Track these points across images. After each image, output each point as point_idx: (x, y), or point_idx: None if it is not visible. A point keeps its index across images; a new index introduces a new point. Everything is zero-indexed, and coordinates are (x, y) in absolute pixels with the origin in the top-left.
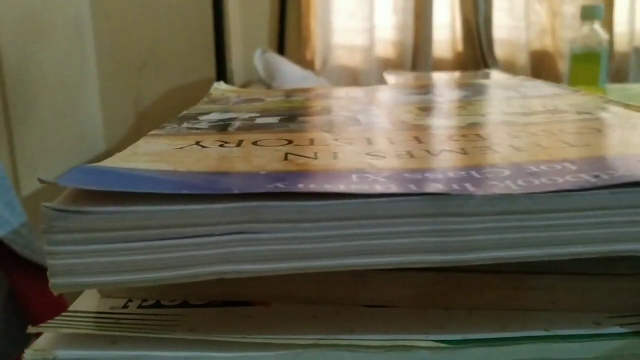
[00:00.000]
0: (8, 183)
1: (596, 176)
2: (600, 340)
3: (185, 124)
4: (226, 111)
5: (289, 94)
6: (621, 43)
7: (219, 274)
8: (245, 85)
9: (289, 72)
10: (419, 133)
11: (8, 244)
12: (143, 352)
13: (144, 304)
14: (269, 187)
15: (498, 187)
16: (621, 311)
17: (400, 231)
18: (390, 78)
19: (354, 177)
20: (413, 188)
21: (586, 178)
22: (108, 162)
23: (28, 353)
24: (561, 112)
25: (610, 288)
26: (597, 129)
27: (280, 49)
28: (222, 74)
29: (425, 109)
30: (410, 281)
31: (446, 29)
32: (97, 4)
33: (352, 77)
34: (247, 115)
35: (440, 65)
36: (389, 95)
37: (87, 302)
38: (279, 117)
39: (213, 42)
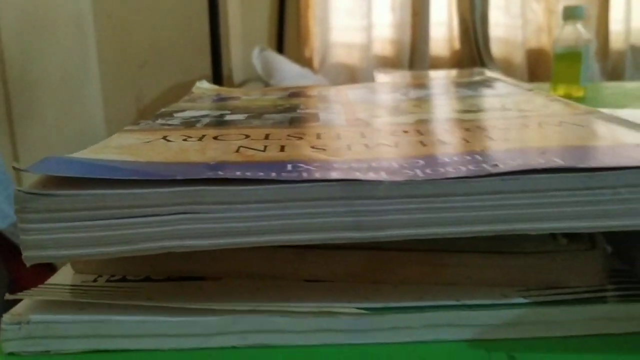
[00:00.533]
0: (9, 178)
1: (494, 165)
2: (503, 309)
3: (159, 121)
4: (201, 109)
5: (266, 92)
6: (617, 41)
7: (166, 249)
8: (244, 83)
9: (287, 70)
10: (367, 129)
11: (8, 237)
12: (105, 317)
13: (112, 278)
14: (210, 174)
15: (407, 175)
16: (528, 285)
17: (321, 212)
18: (380, 76)
19: (289, 166)
20: (334, 175)
21: (485, 167)
22: (79, 154)
23: (6, 317)
24: (506, 110)
25: (519, 265)
26: (526, 125)
27: (279, 47)
28: (217, 72)
29: (384, 107)
30: (344, 259)
31: (443, 27)
32: (99, 3)
33: (350, 75)
34: (218, 113)
35: (438, 63)
36: (358, 94)
37: (63, 277)
38: (246, 115)
39: (209, 41)
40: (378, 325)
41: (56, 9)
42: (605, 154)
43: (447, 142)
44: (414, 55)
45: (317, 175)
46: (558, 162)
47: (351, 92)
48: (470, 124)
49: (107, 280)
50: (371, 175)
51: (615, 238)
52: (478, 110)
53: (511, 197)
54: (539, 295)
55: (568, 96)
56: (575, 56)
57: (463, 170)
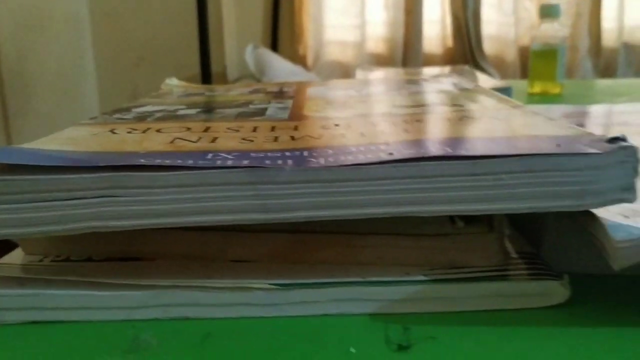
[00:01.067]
0: None
1: (390, 154)
2: (404, 286)
3: (116, 115)
4: (160, 104)
5: (230, 89)
6: (610, 39)
7: (92, 229)
8: (237, 80)
9: (279, 67)
10: (302, 123)
11: None
12: (42, 291)
13: (57, 259)
14: (132, 161)
15: (311, 163)
16: (433, 265)
17: (230, 195)
18: (360, 74)
19: (209, 155)
20: (244, 163)
21: (381, 156)
22: (32, 144)
23: None
24: (440, 104)
25: (422, 246)
26: (445, 118)
27: (274, 45)
28: (206, 69)
29: (332, 103)
30: (266, 241)
31: (436, 24)
32: (95, 1)
33: (344, 73)
34: (173, 108)
35: (431, 61)
36: (317, 91)
37: (14, 257)
38: (198, 110)
39: (197, 39)
40: (288, 300)
41: (53, 7)
42: (496, 143)
43: (365, 134)
44: (407, 53)
45: (229, 163)
46: (446, 150)
47: (312, 89)
48: (395, 118)
49: (52, 260)
50: (278, 163)
51: (524, 223)
52: (413, 105)
53: (402, 182)
54: (439, 273)
55: (545, 93)
56: (551, 54)
57: (360, 158)
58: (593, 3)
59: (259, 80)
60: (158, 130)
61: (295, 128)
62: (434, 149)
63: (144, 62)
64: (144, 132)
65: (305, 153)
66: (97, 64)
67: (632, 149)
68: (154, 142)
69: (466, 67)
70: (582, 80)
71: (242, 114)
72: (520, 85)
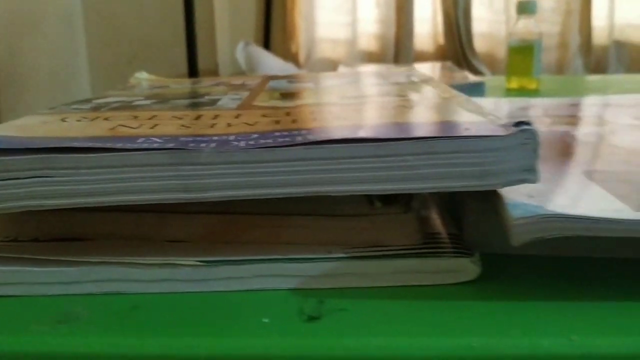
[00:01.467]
0: None
1: (303, 136)
2: (324, 262)
3: (74, 106)
4: (121, 96)
5: (196, 82)
6: (601, 37)
7: (27, 207)
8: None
9: (270, 64)
10: (246, 111)
11: None
12: None
13: (5, 239)
14: (65, 144)
15: (231, 145)
16: (355, 245)
17: (153, 176)
18: (340, 68)
19: (141, 139)
20: (170, 145)
21: (297, 139)
22: None
23: None
24: (385, 95)
25: (343, 226)
26: (382, 107)
27: (266, 43)
28: (193, 66)
29: (284, 94)
30: (199, 222)
31: (427, 22)
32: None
33: (335, 70)
34: (131, 99)
35: (422, 58)
36: (278, 83)
37: None
38: (154, 100)
39: (184, 37)
40: (213, 276)
41: (45, 6)
42: (405, 128)
43: (298, 120)
44: (398, 51)
45: (155, 145)
46: (353, 133)
47: (274, 82)
48: (334, 107)
49: (1, 241)
50: (201, 146)
51: (450, 205)
52: (360, 96)
53: (313, 163)
54: (359, 251)
55: (522, 88)
56: (527, 50)
57: (277, 141)
58: (583, 1)
59: None
60: (106, 119)
61: (237, 116)
62: (344, 133)
63: (137, 60)
64: (92, 120)
65: (232, 137)
66: (90, 62)
67: (531, 131)
68: (96, 128)
69: (448, 63)
70: (563, 77)
71: (193, 104)
72: (503, 81)
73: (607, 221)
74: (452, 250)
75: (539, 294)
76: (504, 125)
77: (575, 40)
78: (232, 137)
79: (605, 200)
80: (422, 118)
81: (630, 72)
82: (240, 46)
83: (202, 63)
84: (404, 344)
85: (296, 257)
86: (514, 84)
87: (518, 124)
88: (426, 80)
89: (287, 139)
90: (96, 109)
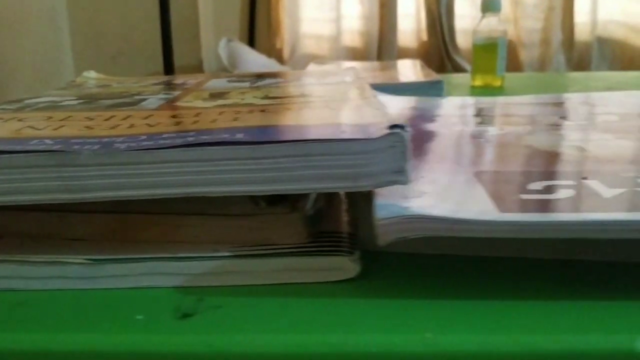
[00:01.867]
0: None
1: (195, 137)
2: (208, 261)
3: (3, 106)
4: (55, 96)
5: (139, 81)
6: (583, 32)
7: None
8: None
9: (252, 61)
10: (160, 112)
11: None
12: None
13: None
14: None
15: (112, 147)
16: (243, 244)
17: (36, 177)
18: (310, 66)
19: (35, 141)
20: (56, 147)
21: (189, 139)
22: None
23: None
24: (304, 96)
25: (231, 225)
26: (286, 108)
27: (251, 39)
28: (169, 64)
29: (214, 94)
30: (99, 221)
31: (411, 18)
32: None
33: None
34: (62, 99)
35: (406, 54)
36: (216, 83)
37: None
38: (80, 100)
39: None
40: (100, 273)
41: (30, 3)
42: (285, 130)
43: (200, 121)
44: (382, 47)
45: (41, 147)
46: (235, 136)
47: (215, 81)
48: (246, 108)
49: None
50: (85, 148)
51: (347, 204)
52: (279, 97)
53: (190, 165)
54: (245, 250)
55: (487, 85)
56: (492, 47)
57: (159, 143)
58: None
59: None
60: (20, 120)
61: (146, 117)
62: (223, 136)
63: (122, 56)
64: (6, 121)
65: (120, 139)
66: (74, 59)
67: (399, 135)
68: (4, 129)
69: (417, 62)
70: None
71: (116, 105)
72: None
73: (467, 222)
74: (334, 248)
75: (410, 292)
76: (380, 129)
77: (557, 36)
78: (119, 139)
79: (479, 201)
80: (312, 120)
81: (612, 67)
82: (222, 43)
83: (186, 59)
84: (273, 341)
85: (180, 256)
86: (479, 81)
87: (392, 127)
88: (355, 82)
89: (168, 141)
90: (21, 109)
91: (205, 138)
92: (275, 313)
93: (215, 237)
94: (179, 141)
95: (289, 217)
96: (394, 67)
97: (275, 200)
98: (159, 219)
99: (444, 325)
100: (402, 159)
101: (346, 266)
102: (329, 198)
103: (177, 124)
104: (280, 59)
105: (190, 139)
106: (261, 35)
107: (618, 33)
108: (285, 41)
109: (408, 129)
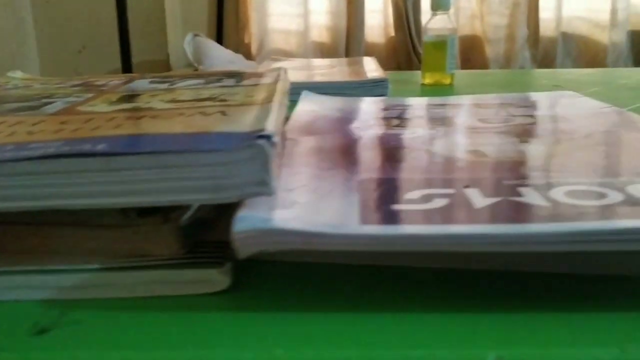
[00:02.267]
0: None
1: (44, 149)
2: (77, 273)
3: None
4: None
5: (62, 82)
6: (548, 29)
7: None
8: (181, 69)
9: (217, 56)
10: (53, 118)
11: None
12: None
13: None
14: None
15: None
16: (117, 255)
17: None
18: (265, 64)
19: None
20: None
21: (40, 152)
22: None
23: None
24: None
25: (104, 237)
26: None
27: (219, 34)
28: (126, 61)
29: (128, 97)
30: None
31: (378, 14)
32: None
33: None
34: None
35: (374, 50)
36: (136, 84)
37: None
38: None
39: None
40: None
41: None
42: (143, 140)
43: (81, 129)
44: (349, 42)
45: None
46: (92, 148)
47: (136, 82)
48: (140, 113)
49: None
50: None
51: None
52: (183, 100)
53: (48, 177)
54: (118, 262)
55: (437, 83)
56: (441, 45)
57: (20, 155)
58: None
59: (196, 69)
60: None
61: (35, 124)
62: (89, 145)
63: (87, 50)
64: None
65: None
66: (39, 52)
67: (259, 146)
68: None
69: (370, 58)
70: (481, 71)
71: (19, 109)
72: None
73: (323, 235)
74: (204, 260)
75: (279, 304)
76: (243, 138)
77: (522, 32)
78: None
79: (346, 213)
80: (185, 128)
81: (577, 63)
82: (188, 38)
83: (152, 54)
84: (128, 357)
85: (47, 269)
86: (429, 79)
87: (258, 137)
88: (272, 84)
89: (28, 152)
90: None
91: (65, 149)
92: (134, 327)
93: (90, 249)
94: (38, 152)
95: (162, 228)
96: (345, 64)
97: (149, 211)
98: (36, 229)
99: (299, 341)
100: (264, 170)
101: (214, 278)
102: (218, 206)
103: (57, 131)
104: (248, 54)
105: (51, 150)
106: (229, 30)
107: (582, 29)
108: (253, 36)
109: (275, 139)
